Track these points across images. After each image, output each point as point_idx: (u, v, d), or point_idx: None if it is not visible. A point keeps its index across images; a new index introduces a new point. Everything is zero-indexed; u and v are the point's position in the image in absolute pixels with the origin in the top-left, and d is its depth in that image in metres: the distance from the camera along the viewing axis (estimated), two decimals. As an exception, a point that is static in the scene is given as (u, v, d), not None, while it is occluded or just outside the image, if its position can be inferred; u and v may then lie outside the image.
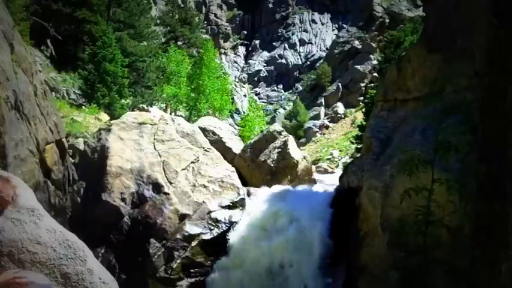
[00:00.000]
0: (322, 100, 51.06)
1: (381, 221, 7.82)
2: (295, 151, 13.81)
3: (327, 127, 46.11)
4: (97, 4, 25.63)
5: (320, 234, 10.17)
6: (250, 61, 66.21)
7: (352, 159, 22.83)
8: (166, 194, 11.07)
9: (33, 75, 8.94)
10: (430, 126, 7.14)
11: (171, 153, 11.96)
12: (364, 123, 20.82)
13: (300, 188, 12.45)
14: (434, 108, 7.47)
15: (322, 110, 49.51)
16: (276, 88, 62.07)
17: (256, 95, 57.79)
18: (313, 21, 65.53)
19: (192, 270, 10.51)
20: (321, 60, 57.92)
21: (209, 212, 11.09)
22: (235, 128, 32.38)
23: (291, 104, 54.84)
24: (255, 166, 13.29)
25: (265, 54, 65.66)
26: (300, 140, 43.10)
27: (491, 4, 4.57)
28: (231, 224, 11.02)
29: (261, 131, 15.52)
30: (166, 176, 11.39)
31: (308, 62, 61.94)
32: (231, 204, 11.44)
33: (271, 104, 58.81)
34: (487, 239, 4.38)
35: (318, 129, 46.15)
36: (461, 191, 5.29)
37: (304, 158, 14.46)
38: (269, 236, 10.57)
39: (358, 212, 9.11)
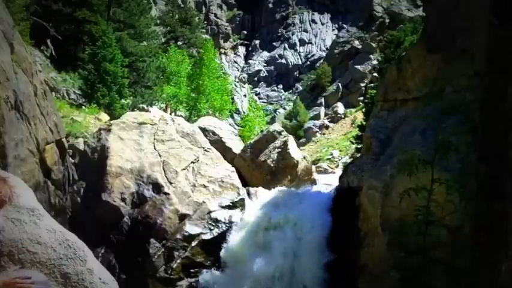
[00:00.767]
0: (322, 100, 51.05)
1: (380, 221, 7.82)
2: (295, 151, 13.81)
3: (327, 127, 46.11)
4: (97, 4, 25.64)
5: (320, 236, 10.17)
6: (250, 61, 66.21)
7: (352, 159, 22.83)
8: (166, 194, 11.07)
9: (33, 75, 8.94)
10: (430, 126, 7.15)
11: (171, 153, 11.96)
12: (364, 123, 20.83)
13: (300, 189, 12.43)
14: (434, 108, 7.48)
15: (322, 110, 49.50)
16: (276, 88, 62.07)
17: (256, 95, 57.78)
18: (313, 21, 65.52)
19: (192, 270, 10.51)
20: (321, 60, 57.91)
21: (209, 212, 11.09)
22: (235, 128, 32.37)
23: (291, 104, 54.84)
24: (255, 166, 13.29)
25: (265, 54, 65.64)
26: (300, 140, 43.09)
27: (491, 4, 4.57)
28: (231, 224, 11.02)
29: (261, 131, 15.51)
30: (166, 176, 11.39)
31: (308, 62, 61.93)
32: (231, 204, 11.44)
33: (271, 104, 58.79)
34: (487, 239, 4.38)
35: (318, 129, 46.15)
36: (461, 191, 5.29)
37: (304, 158, 14.46)
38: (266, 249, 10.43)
39: (358, 212, 9.11)
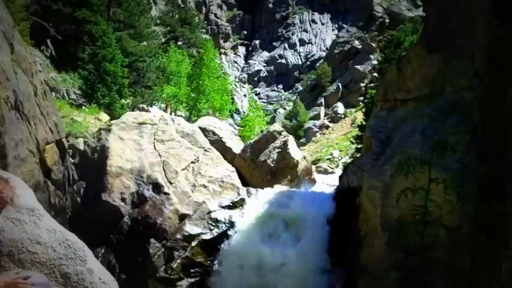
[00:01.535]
0: (322, 100, 51.08)
1: (380, 221, 7.82)
2: (295, 151, 13.81)
3: (327, 127, 46.13)
4: (97, 4, 25.66)
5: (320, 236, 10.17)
6: (250, 61, 66.23)
7: (352, 159, 22.84)
8: (166, 194, 11.07)
9: (33, 75, 8.93)
10: (430, 126, 7.14)
11: (171, 153, 11.96)
12: (364, 123, 20.84)
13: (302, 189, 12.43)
14: (434, 108, 7.48)
15: (322, 110, 49.52)
16: (276, 88, 62.09)
17: (256, 95, 57.80)
18: (313, 21, 65.55)
19: (192, 270, 10.51)
20: (321, 60, 57.95)
21: (209, 212, 11.09)
22: (235, 128, 32.38)
23: (291, 104, 54.86)
24: (255, 166, 13.28)
25: (265, 54, 65.68)
26: (300, 140, 43.12)
27: (491, 4, 4.58)
28: (231, 224, 11.02)
29: (261, 131, 15.51)
30: (166, 176, 11.39)
31: (308, 62, 61.96)
32: (231, 204, 11.43)
33: (271, 104, 58.82)
34: (487, 239, 4.39)
35: (318, 129, 46.17)
36: (459, 190, 5.29)
37: (304, 158, 14.46)
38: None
39: (358, 212, 9.11)
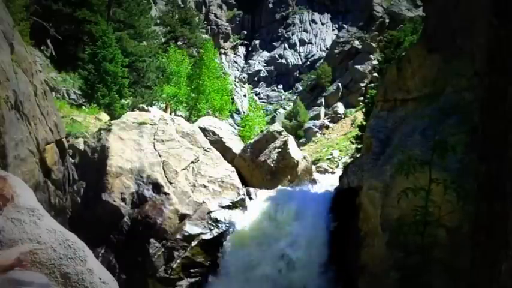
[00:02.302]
0: (322, 100, 51.04)
1: (380, 221, 7.82)
2: (295, 151, 13.81)
3: (327, 127, 46.10)
4: (97, 4, 25.65)
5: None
6: (250, 61, 66.21)
7: (352, 159, 22.83)
8: (166, 194, 11.07)
9: (33, 75, 8.93)
10: (430, 127, 7.14)
11: (171, 153, 11.96)
12: (364, 123, 20.83)
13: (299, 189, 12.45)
14: (434, 108, 7.47)
15: (322, 110, 49.50)
16: (276, 88, 62.07)
17: (256, 95, 57.79)
18: (313, 21, 65.52)
19: (192, 270, 10.51)
20: (321, 60, 57.90)
21: (209, 212, 11.09)
22: (235, 128, 32.39)
23: (291, 104, 54.83)
24: (255, 166, 13.28)
25: (265, 54, 65.65)
26: (300, 140, 43.09)
27: (491, 4, 4.58)
28: (231, 224, 11.02)
29: (261, 131, 15.51)
30: (166, 176, 11.39)
31: (308, 62, 61.93)
32: (231, 204, 11.43)
33: (271, 104, 58.79)
34: (487, 239, 4.39)
35: (318, 129, 46.14)
36: (459, 191, 5.29)
37: (304, 158, 14.46)
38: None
39: (358, 212, 9.11)
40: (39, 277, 3.04)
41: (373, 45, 49.49)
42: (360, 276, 8.54)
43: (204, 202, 11.22)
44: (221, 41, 64.38)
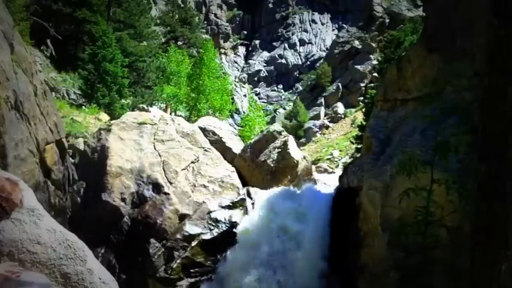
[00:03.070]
0: (322, 100, 51.04)
1: (380, 221, 7.82)
2: (295, 151, 13.81)
3: (327, 127, 46.09)
4: (97, 4, 25.65)
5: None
6: (250, 61, 66.20)
7: (352, 159, 22.83)
8: (166, 194, 11.07)
9: (33, 75, 8.93)
10: (430, 127, 7.15)
11: (171, 153, 11.96)
12: (364, 123, 20.82)
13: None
14: (434, 108, 7.47)
15: (322, 110, 49.49)
16: (276, 88, 62.06)
17: (256, 95, 57.75)
18: (313, 21, 65.52)
19: (192, 270, 10.51)
20: (321, 60, 57.89)
21: (209, 212, 11.09)
22: (235, 128, 32.36)
23: (291, 104, 54.81)
24: (255, 166, 13.28)
25: (265, 54, 65.64)
26: (300, 140, 43.08)
27: (491, 4, 4.57)
28: (231, 224, 11.02)
29: (261, 131, 15.50)
30: (166, 176, 11.39)
31: (308, 62, 61.93)
32: (231, 204, 11.44)
33: (271, 104, 58.78)
34: (487, 239, 4.38)
35: (318, 129, 46.13)
36: (461, 191, 5.28)
37: (304, 158, 14.46)
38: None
39: (358, 212, 9.11)
40: (39, 277, 3.04)
41: (373, 45, 49.48)
42: (360, 276, 8.54)
43: (204, 202, 11.23)
44: (221, 41, 64.37)
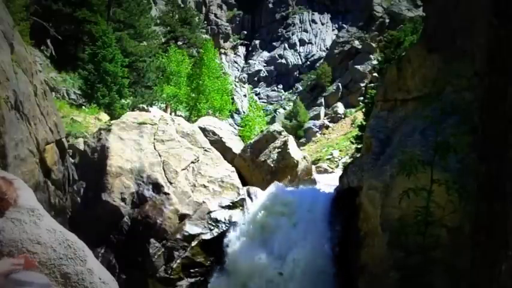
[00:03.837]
0: (322, 100, 51.08)
1: (380, 221, 7.82)
2: (295, 151, 13.81)
3: (327, 127, 46.12)
4: (97, 4, 25.67)
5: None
6: (250, 61, 66.22)
7: (352, 159, 22.83)
8: (166, 194, 11.07)
9: (33, 75, 8.93)
10: (430, 127, 7.14)
11: (171, 153, 11.96)
12: (364, 123, 20.83)
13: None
14: (434, 108, 7.46)
15: (322, 110, 49.52)
16: (276, 88, 62.08)
17: (256, 95, 57.75)
18: (313, 21, 65.54)
19: (192, 270, 10.51)
20: (321, 60, 57.94)
21: (209, 212, 11.09)
22: (235, 128, 32.39)
23: (291, 104, 54.84)
24: (255, 166, 13.28)
25: (265, 54, 65.67)
26: (300, 140, 43.12)
27: (491, 4, 4.57)
28: (231, 224, 11.02)
29: (261, 131, 15.51)
30: (166, 176, 11.39)
31: (308, 62, 61.95)
32: (231, 204, 11.43)
33: (271, 104, 58.81)
34: (487, 239, 4.38)
35: (318, 129, 46.16)
36: (461, 191, 5.28)
37: (304, 158, 14.46)
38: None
39: (358, 212, 9.11)
40: (39, 277, 3.04)
41: (373, 45, 49.52)
42: (360, 276, 8.54)
43: (204, 202, 11.23)
44: (221, 41, 64.40)
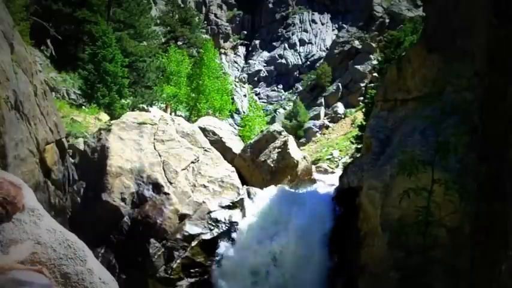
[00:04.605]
0: (322, 100, 51.06)
1: (380, 221, 7.82)
2: (295, 151, 13.81)
3: (327, 127, 46.10)
4: (97, 4, 25.66)
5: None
6: (250, 61, 66.19)
7: (352, 159, 22.83)
8: (166, 194, 11.07)
9: (33, 75, 8.93)
10: (430, 127, 7.15)
11: (171, 153, 11.96)
12: (364, 123, 20.82)
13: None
14: (434, 108, 7.47)
15: (322, 110, 49.50)
16: (276, 88, 62.05)
17: (256, 95, 57.72)
18: (313, 21, 65.51)
19: (192, 270, 10.51)
20: (321, 60, 57.90)
21: (209, 212, 11.09)
22: (235, 128, 32.38)
23: (291, 104, 54.81)
24: (255, 166, 13.28)
25: (265, 54, 65.62)
26: (300, 140, 43.09)
27: (491, 4, 4.57)
28: (231, 224, 11.02)
29: (261, 131, 15.51)
30: (166, 176, 11.39)
31: (308, 62, 61.91)
32: (231, 204, 11.43)
33: (271, 104, 58.77)
34: (487, 239, 4.38)
35: (318, 129, 46.14)
36: (461, 191, 5.28)
37: (304, 158, 14.46)
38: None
39: (358, 212, 9.11)
40: (40, 277, 3.04)
41: (373, 45, 49.49)
42: (360, 276, 8.54)
43: (204, 202, 11.23)
44: (221, 41, 64.37)
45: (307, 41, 64.03)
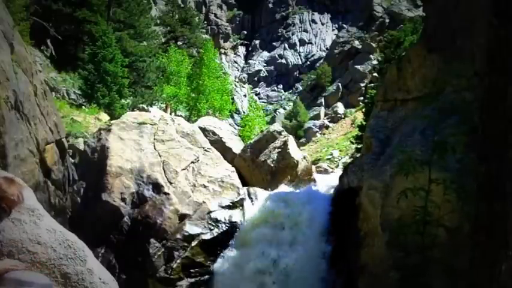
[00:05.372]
0: (322, 100, 51.06)
1: (380, 221, 7.82)
2: (295, 151, 13.81)
3: (327, 127, 46.09)
4: (97, 4, 25.68)
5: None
6: (250, 61, 66.18)
7: (352, 159, 22.83)
8: (166, 194, 11.07)
9: (33, 75, 8.93)
10: (430, 127, 7.14)
11: (171, 153, 11.96)
12: (364, 123, 20.82)
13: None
14: (434, 108, 7.47)
15: (322, 110, 49.50)
16: (276, 88, 62.04)
17: (256, 95, 57.73)
18: (313, 21, 65.50)
19: (192, 270, 10.51)
20: (321, 60, 57.91)
21: (209, 212, 11.09)
22: (235, 128, 32.38)
23: (291, 104, 54.80)
24: (255, 166, 13.28)
25: (265, 54, 65.60)
26: (300, 140, 43.07)
27: (491, 4, 4.57)
28: (231, 224, 11.02)
29: (261, 131, 15.51)
30: (166, 176, 11.39)
31: (308, 62, 61.90)
32: (231, 204, 11.43)
33: (271, 104, 58.76)
34: (486, 239, 4.38)
35: (318, 129, 46.13)
36: (459, 191, 5.28)
37: (304, 158, 14.46)
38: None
39: (358, 212, 9.11)
40: (40, 277, 3.04)
41: (373, 45, 49.49)
42: (360, 276, 8.54)
43: (204, 202, 11.23)
44: (221, 41, 64.35)
45: (307, 41, 64.02)
